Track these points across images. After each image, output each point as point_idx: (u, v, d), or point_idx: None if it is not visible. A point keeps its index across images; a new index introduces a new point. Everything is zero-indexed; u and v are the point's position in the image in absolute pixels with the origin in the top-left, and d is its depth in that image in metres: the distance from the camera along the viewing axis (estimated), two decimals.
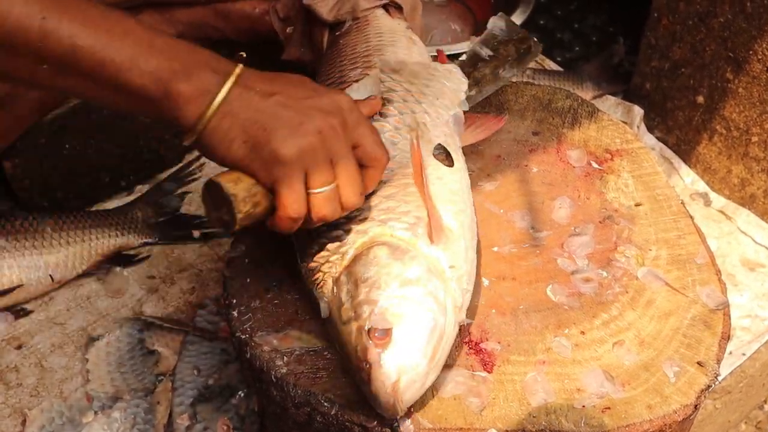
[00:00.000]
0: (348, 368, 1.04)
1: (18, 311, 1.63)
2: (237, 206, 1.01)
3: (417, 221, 1.09)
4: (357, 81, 1.28)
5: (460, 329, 1.08)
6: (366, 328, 0.99)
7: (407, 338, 0.98)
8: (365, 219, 1.10)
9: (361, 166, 1.06)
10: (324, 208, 1.02)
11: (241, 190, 1.01)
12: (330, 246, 1.09)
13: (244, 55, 1.06)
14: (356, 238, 1.08)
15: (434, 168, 1.16)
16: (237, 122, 0.99)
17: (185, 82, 0.98)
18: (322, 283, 1.08)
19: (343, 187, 1.03)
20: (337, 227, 1.10)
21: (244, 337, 1.12)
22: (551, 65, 2.18)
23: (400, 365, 0.96)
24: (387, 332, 0.97)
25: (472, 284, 1.11)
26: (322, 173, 1.01)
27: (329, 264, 1.08)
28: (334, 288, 1.06)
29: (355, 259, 1.06)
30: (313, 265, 1.10)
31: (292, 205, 1.00)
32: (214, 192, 1.03)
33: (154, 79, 0.97)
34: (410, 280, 1.02)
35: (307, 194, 1.01)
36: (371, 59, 1.33)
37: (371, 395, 0.97)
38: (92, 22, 0.96)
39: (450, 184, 1.16)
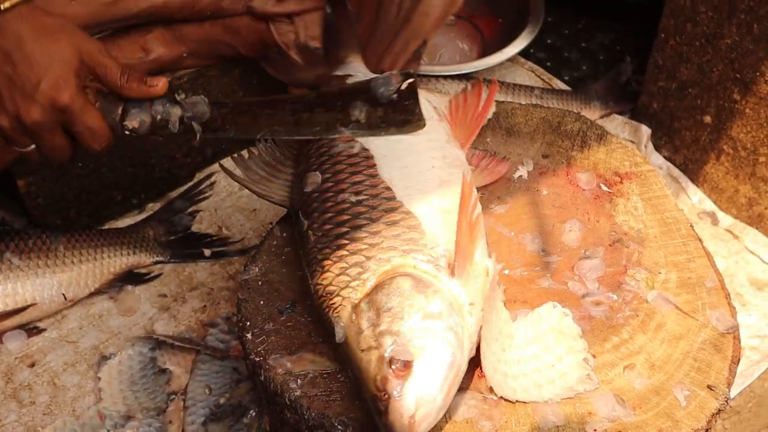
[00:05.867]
0: (362, 394, 1.05)
1: (31, 329, 1.64)
2: None
3: (441, 255, 1.10)
4: None
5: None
6: (387, 358, 1.00)
7: (427, 372, 0.99)
8: (387, 248, 1.11)
9: None
10: None
11: None
12: (350, 271, 1.10)
13: None
14: (378, 267, 1.09)
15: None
16: None
17: None
18: (339, 308, 1.09)
19: None
20: (358, 253, 1.11)
21: (258, 359, 1.13)
22: (559, 84, 2.19)
23: (419, 398, 0.98)
24: (408, 364, 0.99)
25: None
26: None
27: (349, 289, 1.09)
28: (353, 314, 1.07)
29: (377, 287, 1.07)
30: (331, 288, 1.11)
31: None
32: None
33: None
34: (432, 313, 1.03)
35: None
36: None
37: (386, 425, 0.98)
38: None
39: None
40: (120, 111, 1.23)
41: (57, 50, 1.18)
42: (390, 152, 1.26)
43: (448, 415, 1.06)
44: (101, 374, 1.58)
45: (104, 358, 1.61)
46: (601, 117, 2.09)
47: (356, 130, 1.22)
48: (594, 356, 1.12)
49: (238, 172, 1.32)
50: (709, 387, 1.10)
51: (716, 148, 1.89)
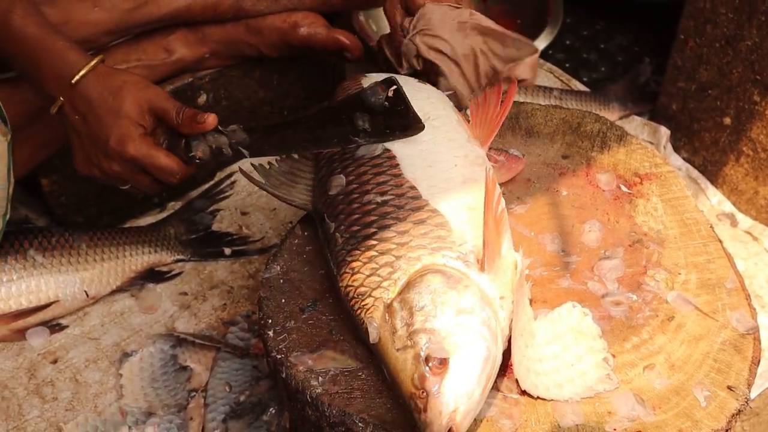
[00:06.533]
0: (396, 393, 1.06)
1: (54, 326, 1.66)
2: None
3: (470, 251, 1.11)
4: None
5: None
6: (423, 356, 1.01)
7: (464, 367, 1.00)
8: (417, 246, 1.12)
9: None
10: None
11: None
12: (381, 271, 1.11)
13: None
14: (408, 266, 1.11)
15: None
16: None
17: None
18: (372, 309, 1.09)
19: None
20: (387, 253, 1.12)
21: (279, 357, 1.15)
22: (578, 85, 2.19)
23: (457, 394, 0.99)
24: (444, 361, 1.00)
25: None
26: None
27: (381, 289, 1.10)
28: (386, 314, 1.08)
29: (408, 286, 1.08)
30: (362, 289, 1.12)
31: None
32: None
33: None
34: (465, 309, 1.04)
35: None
36: None
37: (425, 423, 0.98)
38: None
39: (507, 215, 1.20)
40: (183, 145, 1.35)
41: (120, 107, 1.33)
42: (412, 152, 1.27)
43: None
44: (123, 371, 1.60)
45: (126, 355, 1.63)
46: (620, 118, 2.09)
47: (368, 138, 1.27)
48: (614, 356, 1.13)
49: (256, 176, 1.34)
50: (729, 387, 1.10)
51: (736, 149, 1.88)
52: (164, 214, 1.86)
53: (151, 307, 1.71)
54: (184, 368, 1.60)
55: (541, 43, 2.13)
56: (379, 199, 1.20)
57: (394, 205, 1.18)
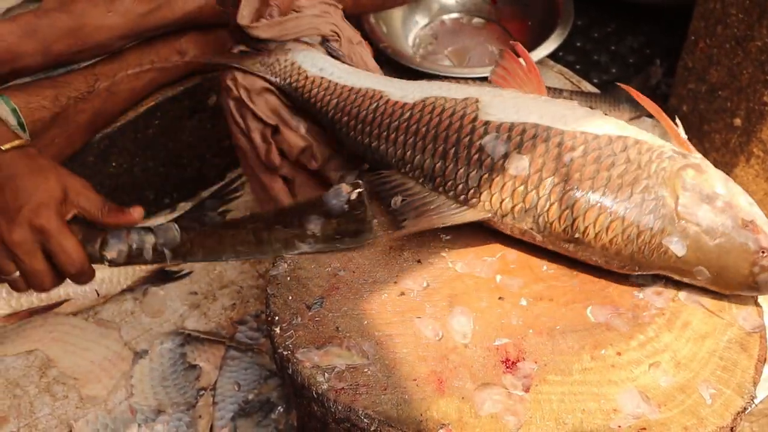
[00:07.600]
0: (727, 281, 1.17)
1: None
2: None
3: (672, 147, 1.21)
4: None
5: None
6: (741, 227, 1.14)
7: (765, 219, 1.16)
8: (647, 163, 1.18)
9: None
10: None
11: None
12: (641, 200, 1.17)
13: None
14: (659, 179, 1.17)
15: None
16: None
17: None
18: (661, 232, 1.16)
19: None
20: (634, 184, 1.17)
21: (286, 353, 1.15)
22: (588, 87, 2.19)
23: None
24: (754, 222, 1.15)
25: None
26: None
27: (657, 212, 1.16)
28: (678, 224, 1.15)
29: (673, 192, 1.16)
30: (633, 230, 1.16)
31: None
32: None
33: None
34: (723, 178, 1.18)
35: None
36: None
37: None
38: None
39: None
40: (99, 242, 1.27)
41: (44, 182, 1.25)
42: (514, 107, 1.26)
43: (473, 410, 1.08)
44: (133, 370, 1.61)
45: (136, 354, 1.64)
46: (631, 119, 2.09)
47: (313, 244, 1.26)
48: (619, 354, 1.13)
49: None
50: (735, 385, 1.10)
51: (746, 150, 1.88)
52: (175, 215, 1.87)
53: (157, 311, 1.72)
54: (194, 367, 1.61)
55: (552, 44, 2.13)
56: (573, 155, 1.20)
57: (582, 153, 1.20)
